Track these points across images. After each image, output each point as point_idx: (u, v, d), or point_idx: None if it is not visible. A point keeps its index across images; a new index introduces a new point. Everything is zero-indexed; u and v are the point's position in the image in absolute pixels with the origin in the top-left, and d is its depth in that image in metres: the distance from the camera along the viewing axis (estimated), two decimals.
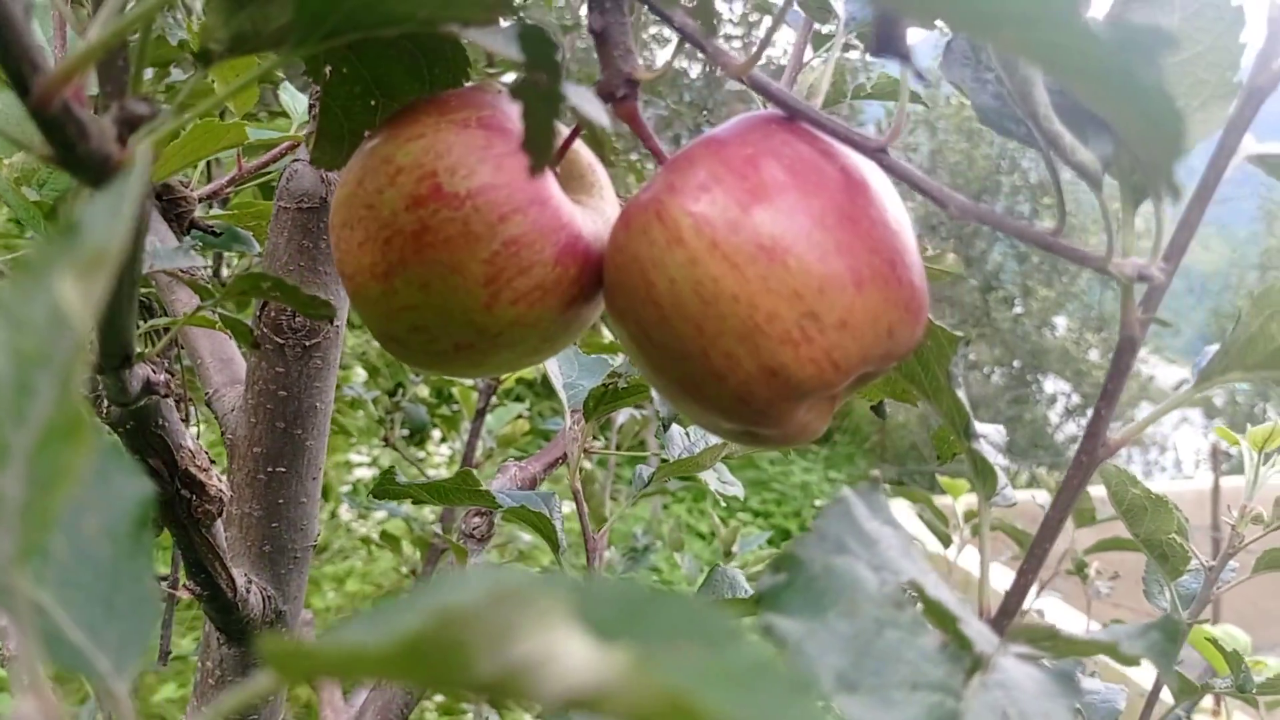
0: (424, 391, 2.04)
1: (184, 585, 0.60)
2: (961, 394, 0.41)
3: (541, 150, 0.28)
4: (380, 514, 2.39)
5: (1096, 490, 1.51)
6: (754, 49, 0.36)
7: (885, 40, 0.25)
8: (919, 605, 0.27)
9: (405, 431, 2.00)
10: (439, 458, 2.63)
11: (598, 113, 0.31)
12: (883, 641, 0.25)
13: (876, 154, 0.34)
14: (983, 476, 0.42)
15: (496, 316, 0.36)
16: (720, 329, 0.33)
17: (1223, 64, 0.33)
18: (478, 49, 0.40)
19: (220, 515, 0.55)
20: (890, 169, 0.34)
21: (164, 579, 0.74)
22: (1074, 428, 9.45)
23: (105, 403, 0.50)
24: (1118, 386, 0.38)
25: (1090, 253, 0.34)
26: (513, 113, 0.37)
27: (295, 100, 0.81)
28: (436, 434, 2.60)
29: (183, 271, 0.59)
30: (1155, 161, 0.21)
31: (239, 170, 0.76)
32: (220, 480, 0.54)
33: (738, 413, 0.35)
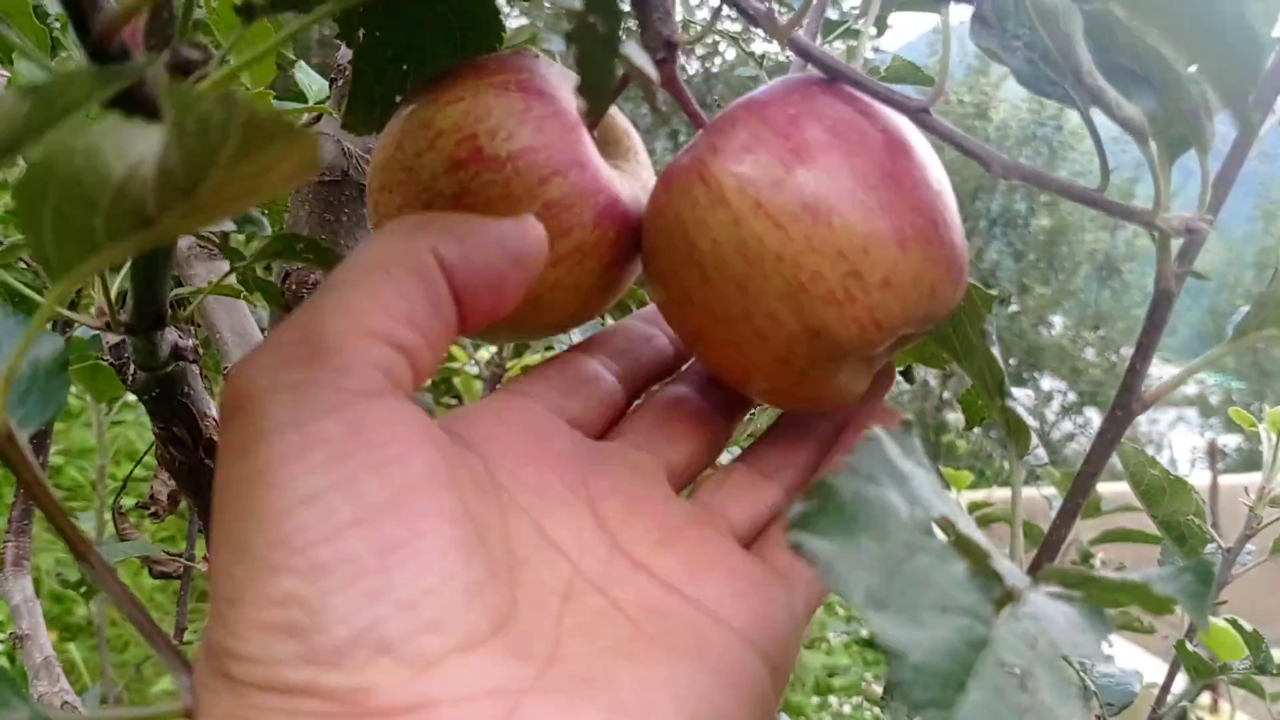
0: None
1: (204, 557, 0.60)
2: (996, 352, 0.41)
3: (599, 95, 0.28)
4: None
5: (1109, 488, 1.52)
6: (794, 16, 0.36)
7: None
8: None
9: None
10: None
11: (647, 64, 0.31)
12: (913, 564, 0.25)
13: (918, 114, 0.34)
14: (1016, 435, 0.42)
15: (537, 280, 0.36)
16: (764, 289, 0.33)
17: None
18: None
19: None
20: (933, 129, 0.34)
21: (178, 555, 0.74)
22: (1070, 425, 9.47)
23: (132, 369, 0.50)
24: (1152, 340, 0.38)
25: (1136, 207, 0.33)
26: (551, 76, 0.37)
27: (310, 79, 0.81)
28: None
29: (212, 234, 0.59)
30: (1231, 89, 0.21)
31: None
32: None
33: (778, 374, 0.35)
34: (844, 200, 0.33)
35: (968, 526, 0.27)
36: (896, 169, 0.33)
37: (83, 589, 1.12)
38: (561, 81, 0.38)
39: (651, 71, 0.31)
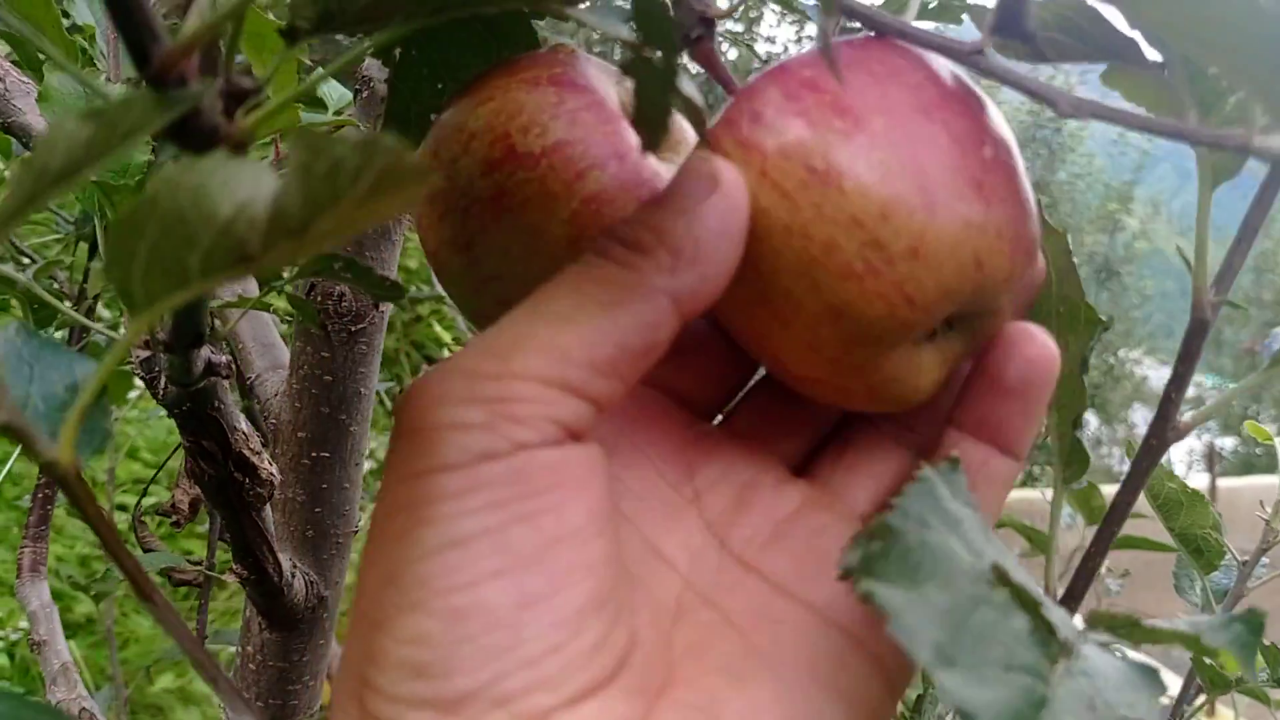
0: None
1: (231, 569, 0.60)
2: (1084, 380, 0.40)
3: (656, 127, 0.28)
4: None
5: (1110, 490, 1.52)
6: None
7: (1006, 19, 0.25)
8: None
9: None
10: None
11: (693, 92, 0.31)
12: (977, 618, 0.25)
13: (972, 57, 0.30)
14: (1071, 463, 0.41)
15: None
16: (776, 266, 0.30)
17: None
18: (544, 32, 0.40)
19: (270, 499, 0.55)
20: (990, 71, 0.30)
21: (198, 563, 0.74)
22: None
23: (163, 384, 0.50)
24: (1188, 370, 0.38)
25: (1230, 132, 0.29)
26: (587, 69, 0.37)
27: (330, 88, 0.81)
28: None
29: None
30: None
31: (275, 155, 0.76)
32: (271, 464, 0.54)
33: (811, 363, 0.32)
34: (856, 161, 0.29)
35: (1017, 572, 0.26)
36: (928, 124, 0.30)
37: (92, 592, 1.11)
38: (598, 74, 0.37)
39: (698, 98, 0.31)
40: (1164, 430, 0.39)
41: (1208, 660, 0.72)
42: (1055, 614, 0.26)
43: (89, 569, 2.58)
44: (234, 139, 0.29)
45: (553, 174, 0.34)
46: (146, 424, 3.19)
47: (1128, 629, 0.28)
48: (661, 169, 0.36)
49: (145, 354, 0.49)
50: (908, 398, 0.32)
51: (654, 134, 0.28)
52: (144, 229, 0.22)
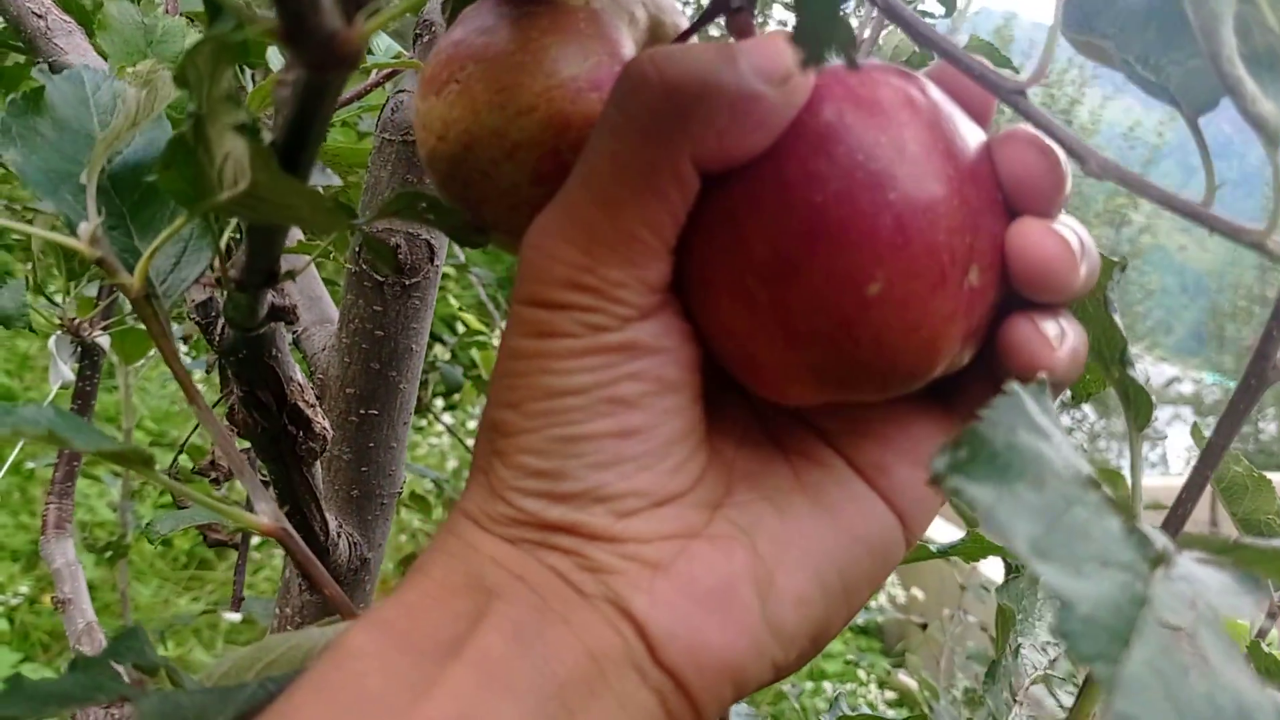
0: (445, 355, 2.02)
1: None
2: (1118, 319, 0.39)
3: (817, 44, 0.26)
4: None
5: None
6: None
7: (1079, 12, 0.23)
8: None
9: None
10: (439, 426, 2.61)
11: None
12: (1071, 516, 0.24)
13: (1013, 96, 0.31)
14: (1136, 406, 0.41)
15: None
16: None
17: None
18: None
19: (322, 453, 0.53)
20: (1026, 114, 0.31)
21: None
22: (1067, 420, 9.48)
23: (220, 328, 0.48)
24: None
25: (1245, 226, 0.31)
26: (620, 48, 0.36)
27: (378, 39, 0.79)
28: (439, 402, 2.58)
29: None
30: None
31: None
32: (324, 418, 0.52)
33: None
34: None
35: (1108, 489, 0.27)
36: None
37: (108, 553, 1.10)
38: (625, 39, 0.36)
39: (854, 35, 0.29)
40: (1263, 369, 0.37)
41: (1265, 648, 0.71)
42: (1148, 528, 0.26)
43: (93, 536, 2.57)
44: (351, 45, 0.27)
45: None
46: (150, 395, 3.18)
47: (1224, 549, 0.27)
48: None
49: (202, 297, 0.47)
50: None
51: (815, 50, 0.26)
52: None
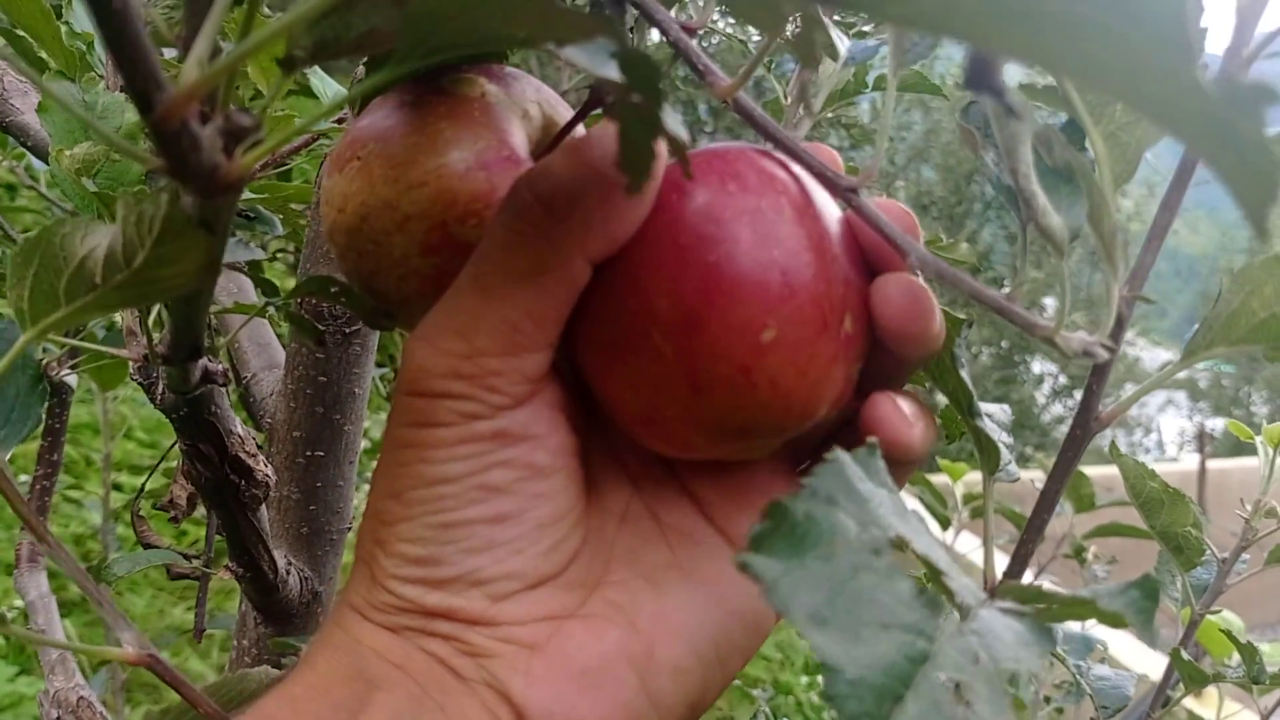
0: None
1: (225, 566, 0.61)
2: (965, 374, 0.42)
3: (639, 171, 0.29)
4: None
5: (1097, 472, 1.53)
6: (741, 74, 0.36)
7: (978, 77, 0.26)
8: (896, 558, 0.28)
9: None
10: None
11: (678, 128, 0.32)
12: (856, 583, 0.26)
13: (846, 193, 0.34)
14: (986, 454, 0.43)
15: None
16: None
17: None
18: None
19: (266, 499, 0.56)
20: (859, 210, 0.34)
21: (194, 558, 0.75)
22: (1060, 408, 9.50)
23: (160, 389, 0.51)
24: (1108, 364, 0.39)
25: (1038, 322, 0.33)
26: (507, 134, 0.38)
27: (325, 84, 0.81)
28: None
29: (242, 264, 0.60)
30: (1250, 208, 0.22)
31: (272, 156, 0.76)
32: (266, 466, 0.56)
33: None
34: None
35: (927, 546, 0.28)
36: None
37: (89, 576, 1.12)
38: (513, 126, 0.38)
39: (684, 135, 0.32)
40: (1087, 421, 0.40)
41: (1185, 656, 0.74)
42: (958, 582, 0.28)
43: (83, 548, 2.59)
44: (233, 176, 0.30)
45: None
46: (140, 405, 3.21)
47: (1033, 599, 0.29)
48: None
49: (139, 363, 0.50)
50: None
51: (636, 176, 0.29)
52: (32, 261, 0.32)
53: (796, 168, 0.36)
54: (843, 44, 0.47)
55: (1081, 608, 0.29)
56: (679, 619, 0.35)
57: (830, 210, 0.35)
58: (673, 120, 0.32)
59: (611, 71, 0.30)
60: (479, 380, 0.34)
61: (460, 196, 0.36)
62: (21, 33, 0.58)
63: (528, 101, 0.40)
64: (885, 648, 0.25)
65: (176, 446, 0.61)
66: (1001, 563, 0.42)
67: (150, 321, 0.43)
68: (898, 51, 0.36)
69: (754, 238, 0.33)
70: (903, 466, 0.36)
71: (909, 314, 0.35)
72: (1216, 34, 0.37)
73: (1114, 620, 0.28)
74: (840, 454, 0.29)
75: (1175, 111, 0.21)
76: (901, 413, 0.36)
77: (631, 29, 0.38)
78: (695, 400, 0.34)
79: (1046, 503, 0.40)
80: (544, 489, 0.35)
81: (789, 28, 0.35)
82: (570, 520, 0.36)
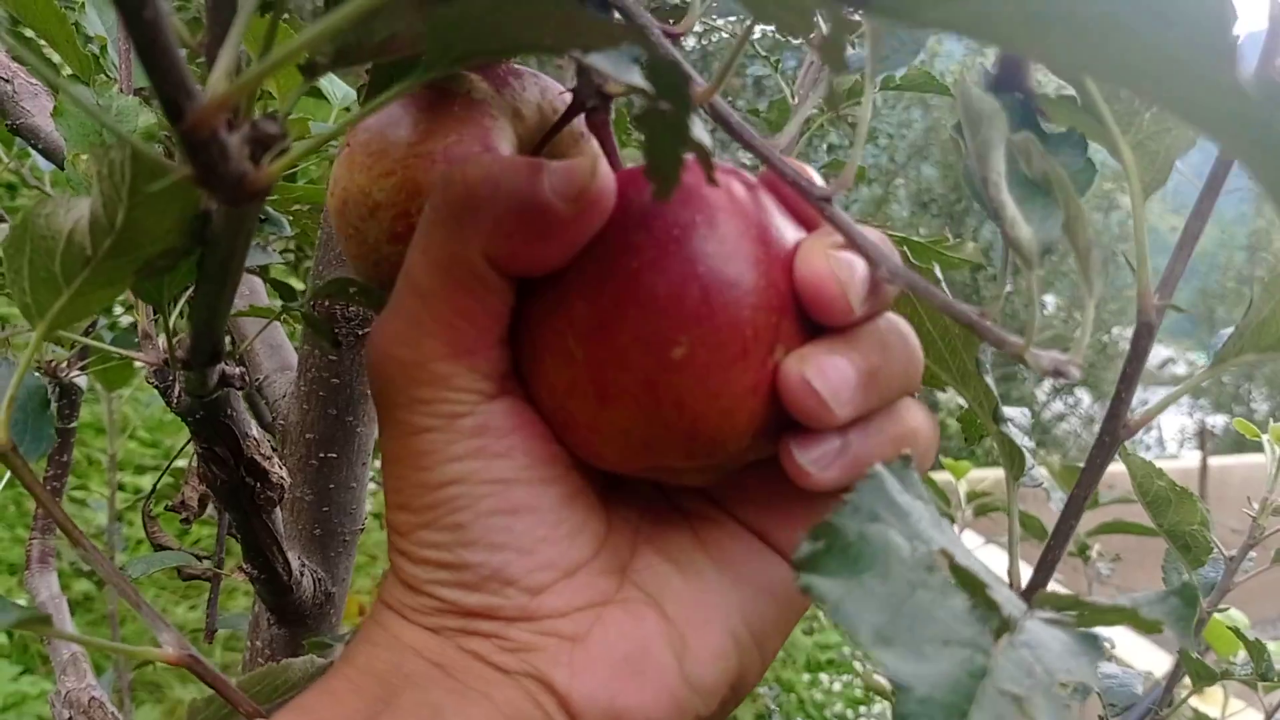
0: None
1: (239, 567, 0.62)
2: (989, 379, 0.42)
3: (667, 179, 0.29)
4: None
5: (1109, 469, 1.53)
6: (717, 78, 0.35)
7: (1009, 79, 0.26)
8: (948, 571, 0.28)
9: None
10: None
11: (703, 136, 0.32)
12: (915, 601, 0.26)
13: (819, 202, 0.33)
14: (1011, 459, 0.43)
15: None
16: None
17: None
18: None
19: (280, 502, 0.57)
20: (831, 220, 0.33)
21: (205, 558, 0.75)
22: (1061, 405, 9.51)
23: (175, 393, 0.51)
24: (1136, 370, 0.39)
25: (1010, 338, 0.32)
26: (486, 133, 0.38)
27: (334, 85, 0.81)
28: None
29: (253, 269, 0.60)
30: None
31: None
32: (281, 468, 0.56)
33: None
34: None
35: (965, 557, 0.28)
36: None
37: (95, 576, 1.13)
38: (497, 129, 0.38)
39: (706, 140, 0.32)
40: (1115, 428, 0.40)
41: (1193, 655, 0.74)
42: (1001, 594, 0.28)
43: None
44: (260, 184, 0.30)
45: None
46: (144, 405, 3.21)
47: (1072, 607, 0.29)
48: None
49: (156, 366, 0.50)
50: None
51: (665, 184, 0.29)
52: (23, 247, 0.31)
53: (760, 192, 0.35)
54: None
55: (1120, 615, 0.29)
56: (710, 601, 0.35)
57: (787, 238, 0.34)
58: (699, 128, 0.32)
59: (637, 79, 0.30)
60: (441, 382, 0.33)
61: (424, 188, 0.37)
62: (31, 34, 0.58)
63: (523, 101, 0.40)
64: (948, 664, 0.25)
65: (185, 447, 0.61)
66: (998, 563, 0.42)
67: (170, 323, 0.43)
68: (875, 57, 0.36)
69: (680, 250, 0.32)
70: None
71: (821, 289, 0.33)
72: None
73: (1152, 627, 0.28)
74: (879, 468, 0.29)
75: (1210, 113, 0.21)
76: (811, 455, 0.34)
77: None
78: (601, 410, 0.33)
79: (1073, 509, 0.40)
80: (549, 474, 0.34)
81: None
82: (586, 501, 0.35)
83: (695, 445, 0.33)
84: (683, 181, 0.33)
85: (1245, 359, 0.40)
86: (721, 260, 0.32)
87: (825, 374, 0.32)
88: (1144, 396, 0.43)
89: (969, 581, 0.27)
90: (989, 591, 0.27)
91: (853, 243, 0.32)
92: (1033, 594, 0.41)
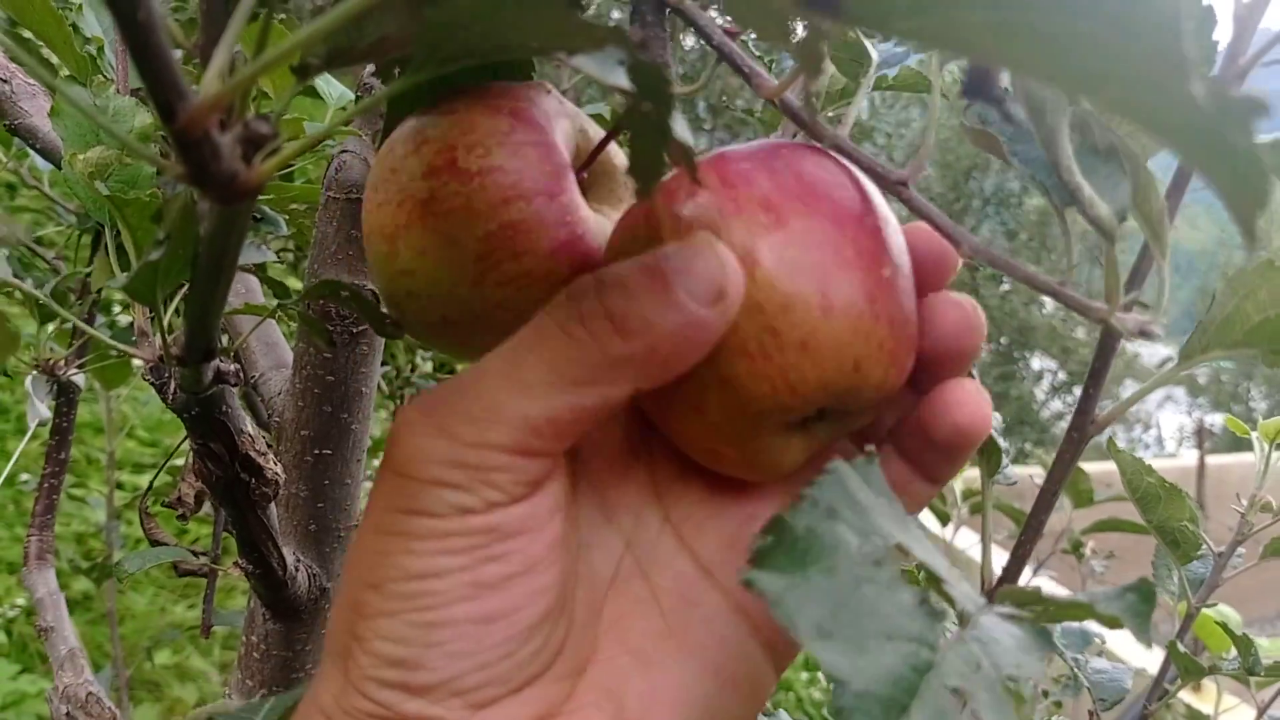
0: (428, 368, 2.06)
1: (235, 563, 0.62)
2: (973, 375, 0.42)
3: (648, 177, 0.29)
4: None
5: (1096, 468, 1.54)
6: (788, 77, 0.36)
7: (976, 86, 0.26)
8: (905, 566, 0.28)
9: None
10: None
11: (686, 136, 0.32)
12: (859, 596, 0.26)
13: (896, 186, 0.34)
14: (987, 456, 0.44)
15: (482, 295, 0.36)
16: None
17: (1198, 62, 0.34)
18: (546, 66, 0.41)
19: (275, 498, 0.57)
20: (909, 203, 0.34)
21: (202, 554, 0.76)
22: (1059, 404, 9.52)
23: (171, 389, 0.52)
24: (1104, 365, 0.40)
25: (1094, 304, 0.33)
26: (549, 109, 0.38)
27: (331, 87, 0.82)
28: None
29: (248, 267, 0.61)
30: (1240, 215, 0.23)
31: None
32: (276, 465, 0.56)
33: (693, 423, 0.35)
34: (771, 255, 0.32)
35: (926, 553, 0.29)
36: (843, 239, 0.33)
37: (94, 574, 1.14)
38: (559, 115, 0.39)
39: (689, 140, 0.32)
40: (1084, 424, 0.41)
41: (1181, 648, 0.75)
42: (958, 590, 0.28)
43: (84, 546, 2.60)
44: (252, 183, 0.30)
45: (481, 194, 0.36)
46: (142, 404, 3.21)
47: (1032, 603, 0.29)
48: (592, 218, 0.38)
49: (152, 363, 0.51)
50: (772, 471, 0.36)
51: (646, 182, 0.30)
52: None
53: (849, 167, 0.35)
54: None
55: (1079, 610, 0.29)
56: (671, 696, 0.34)
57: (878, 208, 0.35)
58: (681, 128, 0.32)
59: (621, 80, 0.30)
60: (480, 474, 0.31)
61: (479, 128, 0.37)
62: (28, 35, 0.59)
63: (581, 116, 0.40)
64: (890, 659, 0.25)
65: (183, 445, 0.62)
66: (1000, 559, 0.43)
67: (165, 320, 0.44)
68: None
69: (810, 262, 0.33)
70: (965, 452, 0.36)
71: (961, 329, 0.35)
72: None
73: (1111, 623, 0.28)
74: (839, 464, 0.29)
75: (1169, 123, 0.22)
76: (982, 394, 0.35)
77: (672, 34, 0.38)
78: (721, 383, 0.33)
79: (1044, 503, 0.41)
80: (538, 584, 0.32)
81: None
82: (556, 618, 0.33)
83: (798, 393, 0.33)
84: (798, 176, 0.34)
85: (1212, 355, 0.40)
86: (840, 270, 0.33)
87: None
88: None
89: (927, 576, 0.28)
90: (945, 587, 0.28)
91: (933, 223, 0.34)
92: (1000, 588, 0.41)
